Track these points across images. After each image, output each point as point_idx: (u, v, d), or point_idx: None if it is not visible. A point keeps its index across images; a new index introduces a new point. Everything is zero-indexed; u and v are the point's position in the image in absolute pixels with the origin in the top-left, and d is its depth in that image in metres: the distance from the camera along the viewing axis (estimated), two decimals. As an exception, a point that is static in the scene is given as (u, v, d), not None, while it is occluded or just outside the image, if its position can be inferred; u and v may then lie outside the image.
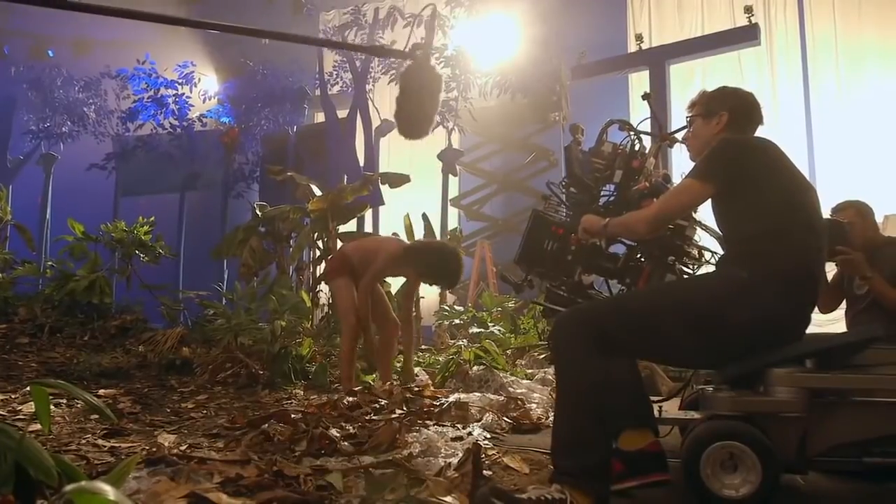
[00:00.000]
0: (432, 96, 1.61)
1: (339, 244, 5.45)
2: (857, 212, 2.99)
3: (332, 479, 1.81)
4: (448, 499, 1.73)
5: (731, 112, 2.10)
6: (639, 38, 8.20)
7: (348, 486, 1.82)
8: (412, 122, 1.67)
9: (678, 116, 2.37)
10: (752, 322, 1.80)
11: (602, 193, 2.36)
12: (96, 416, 2.77)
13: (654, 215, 1.97)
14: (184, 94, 10.32)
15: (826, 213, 2.93)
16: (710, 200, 1.99)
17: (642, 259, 2.21)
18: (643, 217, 2.00)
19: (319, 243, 5.83)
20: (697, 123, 2.18)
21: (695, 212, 2.18)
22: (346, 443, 2.29)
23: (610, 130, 2.39)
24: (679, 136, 2.34)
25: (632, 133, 2.33)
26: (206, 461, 1.85)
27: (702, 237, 2.26)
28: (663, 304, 1.87)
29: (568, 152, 2.37)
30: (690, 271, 2.20)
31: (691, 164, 2.10)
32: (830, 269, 2.85)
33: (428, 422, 2.74)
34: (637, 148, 2.32)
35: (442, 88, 1.64)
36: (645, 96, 2.60)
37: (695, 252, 2.19)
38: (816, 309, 2.15)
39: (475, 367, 3.96)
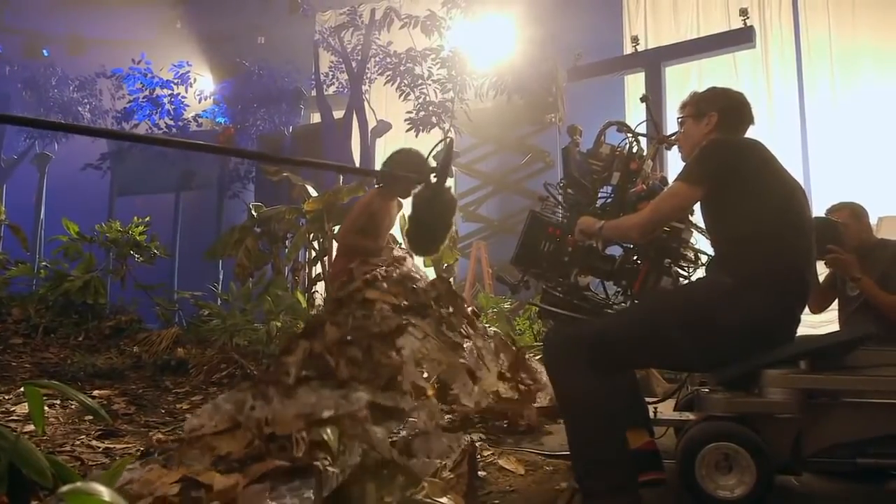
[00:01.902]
0: (445, 223, 1.60)
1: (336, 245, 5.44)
2: (851, 213, 3.00)
3: (324, 434, 1.74)
4: (444, 500, 1.73)
5: (721, 112, 2.10)
6: (634, 39, 8.21)
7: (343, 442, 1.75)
8: (423, 245, 1.68)
9: (673, 118, 2.37)
10: (740, 325, 1.81)
11: (599, 195, 2.36)
12: (91, 417, 2.76)
13: (646, 220, 1.98)
14: (179, 94, 10.30)
15: (821, 214, 2.94)
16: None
17: (638, 261, 2.21)
18: (636, 222, 2.01)
19: (315, 244, 5.82)
20: (688, 124, 2.19)
21: (691, 214, 2.19)
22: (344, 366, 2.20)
23: (608, 132, 2.39)
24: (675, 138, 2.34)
25: (630, 135, 2.33)
26: (196, 437, 1.81)
27: (698, 240, 2.26)
28: (656, 312, 1.88)
29: (566, 153, 2.37)
30: (686, 274, 2.20)
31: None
32: (823, 270, 2.86)
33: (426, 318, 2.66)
34: (635, 150, 2.31)
35: (455, 211, 1.62)
36: (643, 99, 2.60)
37: (690, 255, 2.19)
38: (810, 310, 2.16)
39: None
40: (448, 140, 1.95)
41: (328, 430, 1.73)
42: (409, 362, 2.29)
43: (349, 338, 2.25)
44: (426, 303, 2.63)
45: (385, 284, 2.67)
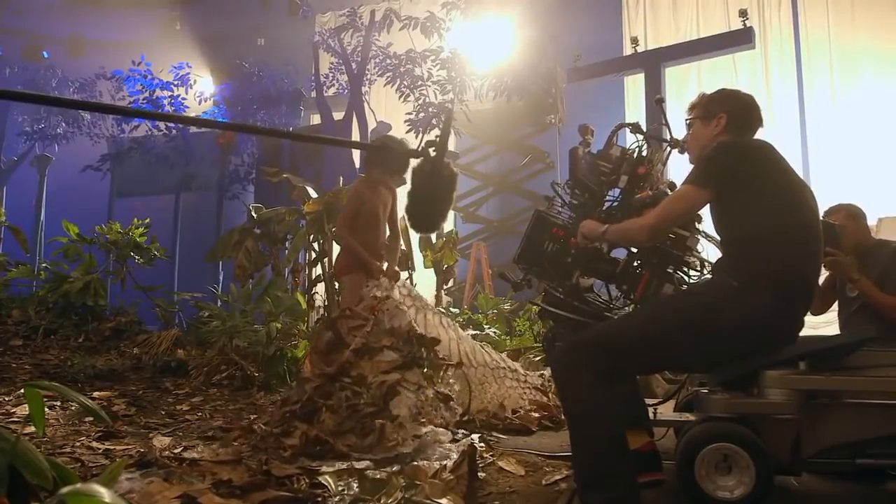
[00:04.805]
0: (446, 198, 1.56)
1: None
2: (848, 214, 3.00)
3: (324, 480, 1.80)
4: (443, 501, 1.73)
5: (730, 114, 2.09)
6: (634, 40, 8.22)
7: (341, 484, 1.81)
8: (424, 222, 1.65)
9: (673, 119, 2.35)
10: (745, 327, 1.80)
11: (606, 199, 2.32)
12: (91, 419, 2.76)
13: (654, 223, 1.94)
14: (179, 95, 10.30)
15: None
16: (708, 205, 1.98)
17: (641, 266, 2.18)
18: (642, 225, 1.97)
19: (315, 245, 5.83)
20: (696, 126, 2.17)
21: (699, 221, 2.17)
22: (342, 446, 2.26)
23: (618, 134, 2.36)
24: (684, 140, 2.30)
25: (641, 138, 2.29)
26: (198, 462, 1.85)
27: (704, 247, 2.23)
28: (661, 317, 1.87)
29: (573, 154, 2.32)
30: (690, 282, 2.17)
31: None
32: (823, 272, 2.86)
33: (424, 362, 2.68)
34: (645, 154, 2.28)
35: (456, 186, 1.57)
36: (658, 101, 2.59)
37: (695, 262, 2.16)
38: (811, 312, 2.15)
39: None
40: (448, 111, 1.92)
41: (327, 477, 1.78)
42: (406, 420, 2.33)
43: (345, 427, 2.30)
44: (417, 353, 2.64)
45: (375, 338, 2.64)
